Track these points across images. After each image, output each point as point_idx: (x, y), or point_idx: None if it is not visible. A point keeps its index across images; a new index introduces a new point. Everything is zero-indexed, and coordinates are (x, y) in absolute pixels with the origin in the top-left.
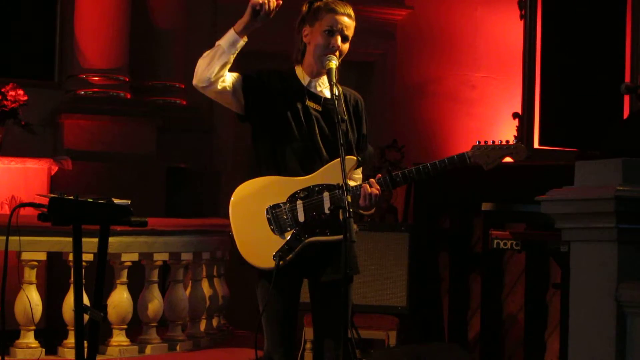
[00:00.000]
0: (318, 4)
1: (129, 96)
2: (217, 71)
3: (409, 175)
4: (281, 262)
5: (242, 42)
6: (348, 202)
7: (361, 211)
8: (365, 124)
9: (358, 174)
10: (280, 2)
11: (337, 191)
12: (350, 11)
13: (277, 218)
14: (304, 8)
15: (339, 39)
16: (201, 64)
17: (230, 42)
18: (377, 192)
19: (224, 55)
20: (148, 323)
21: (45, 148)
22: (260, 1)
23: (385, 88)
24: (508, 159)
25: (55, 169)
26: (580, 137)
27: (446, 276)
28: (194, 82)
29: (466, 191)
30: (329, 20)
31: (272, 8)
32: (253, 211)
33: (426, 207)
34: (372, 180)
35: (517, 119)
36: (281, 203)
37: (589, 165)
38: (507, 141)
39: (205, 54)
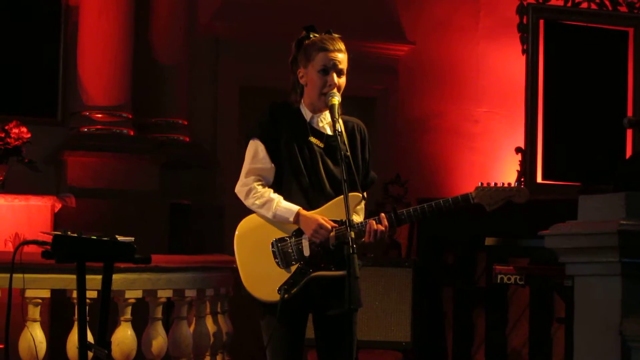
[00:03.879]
0: (307, 42)
1: (132, 133)
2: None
3: (414, 214)
4: (286, 296)
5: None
6: (352, 238)
7: (365, 247)
8: (368, 149)
9: (360, 206)
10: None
11: (341, 227)
12: (341, 45)
13: (282, 251)
14: (294, 46)
15: (334, 75)
16: (249, 202)
17: (282, 219)
18: (384, 229)
19: (267, 216)
20: None
21: (48, 185)
22: (318, 241)
23: (387, 123)
24: None
25: (58, 206)
26: (583, 172)
27: (450, 311)
28: (239, 196)
29: (469, 226)
30: (322, 59)
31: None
32: (258, 244)
33: (430, 243)
34: (382, 215)
35: (520, 154)
36: (286, 237)
37: (592, 199)
38: (510, 183)
39: (255, 196)
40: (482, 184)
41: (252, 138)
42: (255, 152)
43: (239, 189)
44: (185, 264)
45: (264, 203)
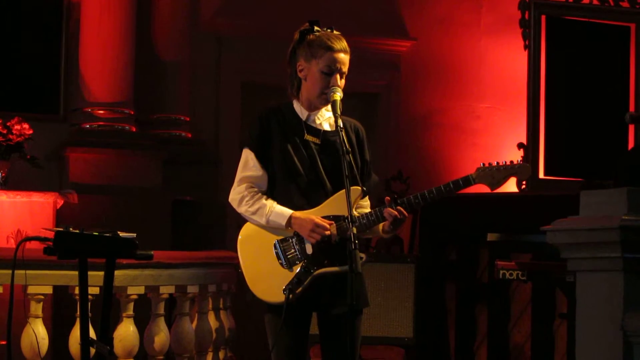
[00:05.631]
0: (312, 36)
1: (134, 129)
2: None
3: (414, 202)
4: (291, 296)
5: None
6: (353, 233)
7: (385, 234)
8: (367, 151)
9: (366, 201)
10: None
11: (343, 222)
12: (345, 45)
13: (285, 252)
14: (296, 36)
15: (337, 77)
16: (242, 210)
17: (275, 224)
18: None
19: (261, 223)
20: (155, 356)
21: (50, 182)
22: (315, 242)
23: (389, 119)
24: (513, 189)
25: (60, 202)
26: (585, 167)
27: (452, 307)
28: (233, 205)
29: (472, 222)
30: (327, 59)
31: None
32: (261, 246)
33: (432, 238)
34: (387, 199)
35: (522, 149)
36: (289, 237)
37: (594, 195)
38: (512, 161)
39: (248, 203)
40: (483, 164)
41: (244, 147)
42: (246, 161)
43: (232, 198)
44: (188, 260)
45: (257, 210)
